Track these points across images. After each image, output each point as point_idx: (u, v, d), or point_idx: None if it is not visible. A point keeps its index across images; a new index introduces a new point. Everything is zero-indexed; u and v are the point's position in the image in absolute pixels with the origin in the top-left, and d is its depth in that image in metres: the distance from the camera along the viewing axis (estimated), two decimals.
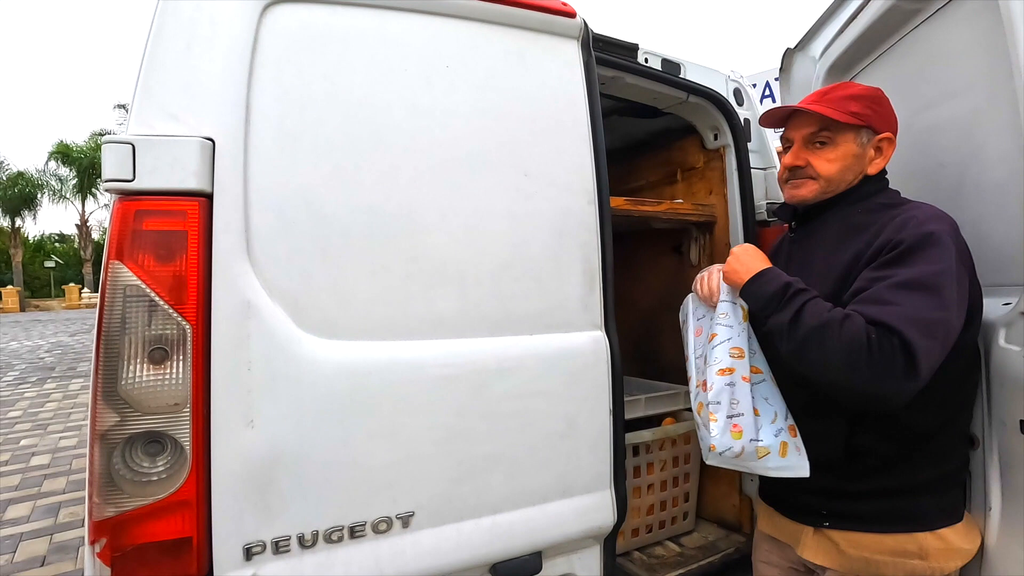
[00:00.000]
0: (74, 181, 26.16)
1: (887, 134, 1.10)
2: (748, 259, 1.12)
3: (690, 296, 1.31)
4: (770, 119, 1.21)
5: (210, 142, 0.95)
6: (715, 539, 1.94)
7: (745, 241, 1.82)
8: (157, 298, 0.90)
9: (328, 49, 1.07)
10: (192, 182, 0.92)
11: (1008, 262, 1.07)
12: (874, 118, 1.08)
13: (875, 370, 0.87)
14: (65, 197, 26.71)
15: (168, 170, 0.91)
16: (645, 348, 2.40)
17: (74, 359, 8.66)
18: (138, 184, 0.90)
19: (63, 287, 26.25)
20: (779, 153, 2.18)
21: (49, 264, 33.72)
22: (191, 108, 0.95)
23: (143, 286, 0.89)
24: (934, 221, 0.97)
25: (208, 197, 0.94)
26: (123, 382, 0.88)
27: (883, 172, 1.13)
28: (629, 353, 2.34)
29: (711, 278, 1.21)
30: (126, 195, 0.90)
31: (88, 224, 28.52)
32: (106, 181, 0.90)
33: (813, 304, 0.97)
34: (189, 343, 0.91)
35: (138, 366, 0.88)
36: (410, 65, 1.14)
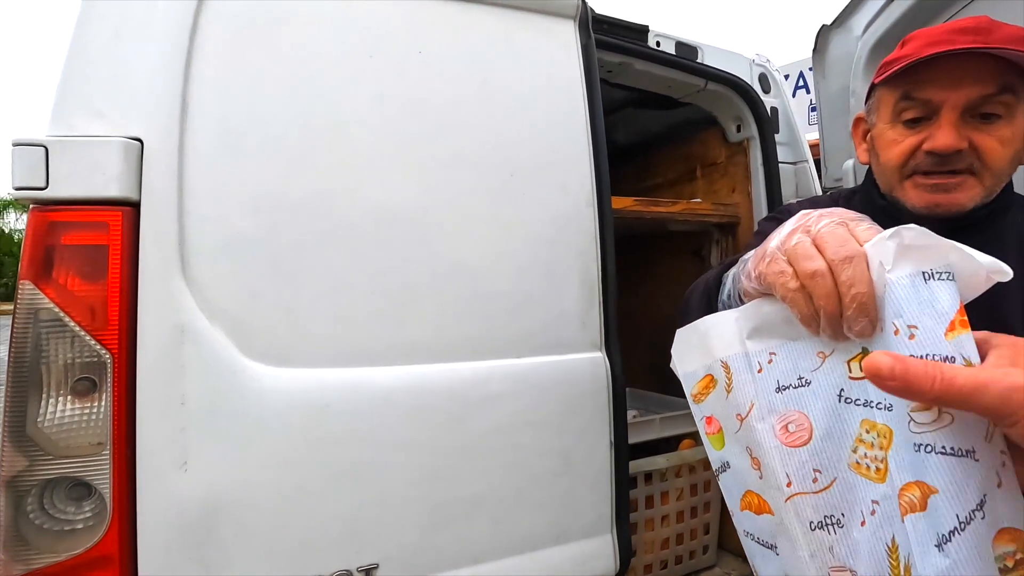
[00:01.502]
0: None
1: None
2: None
3: (734, 316, 0.51)
4: (893, 66, 0.67)
5: (137, 143, 0.82)
6: (739, 575, 1.74)
7: None
8: (72, 323, 0.78)
9: (280, 36, 0.94)
10: (114, 189, 0.80)
11: None
12: None
13: None
14: None
15: (86, 175, 0.79)
16: (662, 360, 2.21)
17: None
18: (52, 192, 0.78)
19: None
20: (812, 145, 1.96)
21: None
22: (118, 104, 0.83)
23: (56, 309, 0.77)
24: None
25: (135, 206, 0.82)
26: (32, 421, 0.76)
27: None
28: (644, 366, 2.16)
29: (849, 257, 0.42)
30: (40, 205, 0.79)
31: None
32: (17, 189, 0.78)
33: None
34: (110, 375, 0.79)
35: (49, 403, 0.77)
36: (377, 51, 1.00)
